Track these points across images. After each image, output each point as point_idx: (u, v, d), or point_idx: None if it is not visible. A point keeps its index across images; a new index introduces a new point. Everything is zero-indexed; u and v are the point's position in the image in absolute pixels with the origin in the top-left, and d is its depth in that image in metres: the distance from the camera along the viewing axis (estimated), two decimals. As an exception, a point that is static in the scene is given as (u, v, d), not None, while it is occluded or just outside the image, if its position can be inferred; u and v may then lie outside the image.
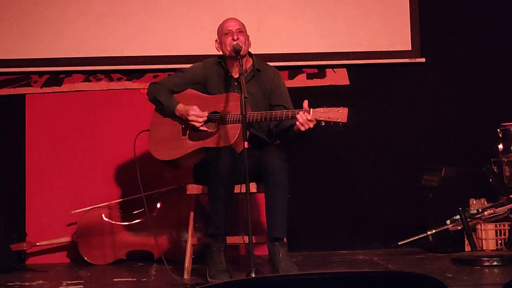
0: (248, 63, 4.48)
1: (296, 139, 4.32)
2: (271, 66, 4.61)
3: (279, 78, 4.56)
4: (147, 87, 4.59)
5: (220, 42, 4.44)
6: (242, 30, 4.42)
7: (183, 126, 4.38)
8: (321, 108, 4.11)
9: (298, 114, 4.11)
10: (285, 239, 4.21)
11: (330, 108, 4.10)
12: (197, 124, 4.32)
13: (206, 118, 4.32)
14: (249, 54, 4.49)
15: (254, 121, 4.25)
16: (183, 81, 4.49)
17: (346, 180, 5.52)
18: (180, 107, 4.37)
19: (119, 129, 5.34)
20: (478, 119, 5.53)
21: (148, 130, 4.46)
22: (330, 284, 2.04)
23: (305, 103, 4.13)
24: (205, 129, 4.32)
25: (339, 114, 4.07)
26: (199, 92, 4.45)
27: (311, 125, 4.11)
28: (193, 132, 4.36)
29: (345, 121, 4.08)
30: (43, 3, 5.35)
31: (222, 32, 4.43)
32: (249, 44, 4.45)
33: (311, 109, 4.11)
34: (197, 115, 4.31)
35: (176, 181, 5.13)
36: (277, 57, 5.29)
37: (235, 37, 4.36)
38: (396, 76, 5.57)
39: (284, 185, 4.17)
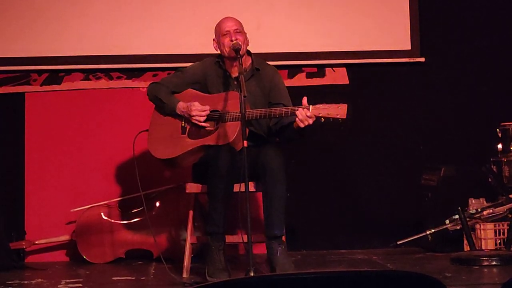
0: (247, 62, 4.49)
1: (296, 136, 4.32)
2: (270, 64, 4.61)
3: (278, 76, 4.57)
4: (147, 86, 4.60)
5: (218, 42, 4.44)
6: (240, 30, 4.42)
7: (183, 124, 4.38)
8: (321, 105, 4.12)
9: (297, 110, 4.12)
10: (283, 238, 4.21)
11: (329, 105, 4.11)
12: (201, 119, 4.31)
13: (208, 112, 4.32)
14: (248, 52, 4.49)
15: (253, 118, 4.26)
16: (182, 81, 4.49)
17: (346, 179, 5.52)
18: (181, 104, 4.37)
19: (119, 127, 5.34)
20: (478, 119, 5.53)
21: (147, 130, 4.46)
22: (329, 283, 2.04)
23: (304, 100, 4.14)
24: (207, 125, 4.32)
25: (339, 111, 4.09)
26: (198, 92, 4.45)
27: (311, 122, 4.11)
28: (192, 130, 4.36)
29: (345, 117, 4.09)
30: (43, 2, 5.35)
31: (220, 33, 4.42)
32: (248, 43, 4.45)
33: (311, 106, 4.12)
34: (199, 109, 4.31)
35: (175, 180, 5.13)
36: (276, 56, 5.29)
37: (233, 38, 4.36)
38: (395, 75, 5.57)
39: (282, 181, 4.16)
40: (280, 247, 4.13)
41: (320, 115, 4.10)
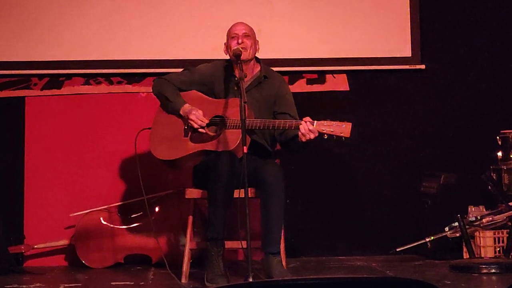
0: (255, 69, 4.49)
1: (299, 149, 4.31)
2: (278, 73, 4.61)
3: (285, 85, 4.58)
4: (147, 91, 4.59)
5: (227, 45, 4.45)
6: (248, 35, 4.42)
7: (186, 127, 4.38)
8: (325, 121, 4.11)
9: (301, 124, 4.12)
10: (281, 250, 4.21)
11: (334, 122, 4.10)
12: (195, 125, 4.32)
13: (205, 124, 4.32)
14: (257, 59, 4.50)
15: (256, 128, 4.25)
16: (190, 80, 4.49)
17: (345, 185, 5.51)
18: (187, 106, 4.37)
19: (118, 132, 5.34)
20: (478, 126, 5.53)
21: (149, 128, 4.46)
22: (327, 289, 2.04)
23: (308, 118, 4.15)
24: (203, 131, 4.32)
25: (343, 129, 4.08)
26: (203, 95, 4.45)
27: (312, 137, 4.11)
28: (195, 134, 4.36)
29: (348, 136, 4.08)
30: (44, 6, 5.36)
31: (229, 36, 4.44)
32: (256, 50, 4.46)
33: (315, 121, 4.12)
34: (198, 117, 4.31)
35: (175, 185, 5.13)
36: (277, 62, 5.29)
37: (240, 41, 4.37)
38: (396, 82, 5.58)
39: (280, 199, 4.15)
40: (276, 258, 4.14)
41: (324, 131, 4.10)
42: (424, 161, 5.52)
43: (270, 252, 4.15)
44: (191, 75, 4.51)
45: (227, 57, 4.50)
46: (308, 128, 4.09)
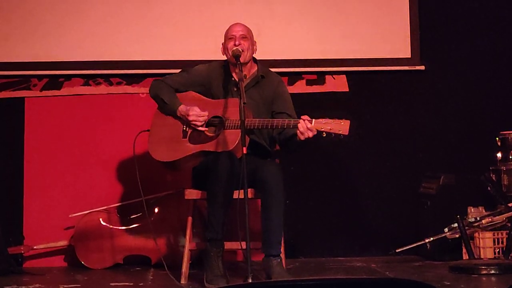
0: (252, 69, 4.49)
1: (298, 148, 4.31)
2: (275, 73, 4.62)
3: (283, 85, 4.58)
4: (146, 91, 4.59)
5: (224, 46, 4.45)
6: (245, 36, 4.42)
7: (184, 128, 4.38)
8: (323, 119, 4.11)
9: (299, 123, 4.12)
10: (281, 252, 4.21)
11: (332, 120, 4.10)
12: (198, 124, 4.31)
13: (206, 118, 4.32)
14: (254, 60, 4.50)
15: (254, 128, 4.25)
16: (187, 82, 4.49)
17: (345, 186, 5.51)
18: (182, 107, 4.37)
19: (118, 133, 5.33)
20: (477, 127, 5.53)
21: (148, 130, 4.46)
22: (326, 290, 2.04)
23: (306, 116, 4.15)
24: (205, 129, 4.32)
25: (341, 126, 4.07)
26: (201, 96, 4.45)
27: (310, 135, 4.11)
28: (194, 134, 4.36)
29: (347, 133, 4.07)
30: (43, 7, 5.36)
31: (227, 37, 4.44)
32: (254, 51, 4.46)
33: (313, 120, 4.12)
34: (197, 114, 4.31)
35: (175, 186, 5.13)
36: (277, 63, 5.29)
37: (237, 43, 4.37)
38: (395, 83, 5.57)
39: (280, 202, 4.15)
40: (276, 260, 4.14)
41: (322, 129, 4.10)
42: (424, 162, 5.51)
43: (270, 254, 4.15)
44: (188, 76, 4.51)
45: (225, 57, 4.50)
46: (306, 126, 4.10)
